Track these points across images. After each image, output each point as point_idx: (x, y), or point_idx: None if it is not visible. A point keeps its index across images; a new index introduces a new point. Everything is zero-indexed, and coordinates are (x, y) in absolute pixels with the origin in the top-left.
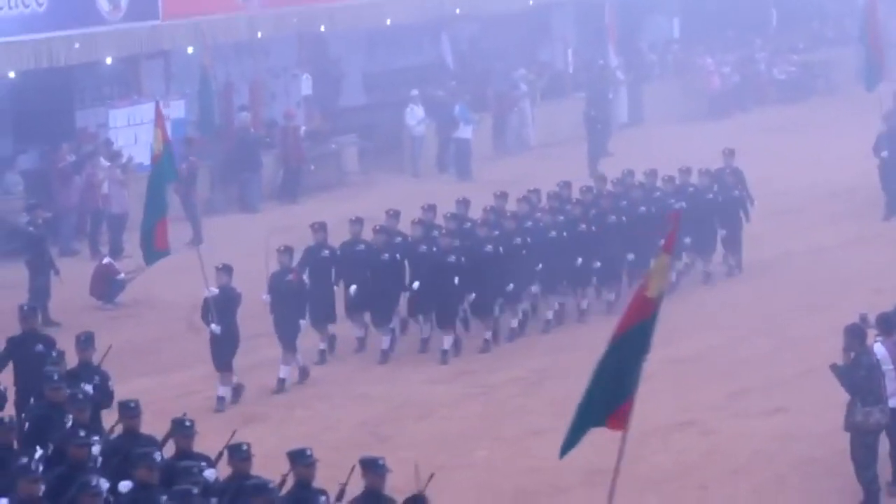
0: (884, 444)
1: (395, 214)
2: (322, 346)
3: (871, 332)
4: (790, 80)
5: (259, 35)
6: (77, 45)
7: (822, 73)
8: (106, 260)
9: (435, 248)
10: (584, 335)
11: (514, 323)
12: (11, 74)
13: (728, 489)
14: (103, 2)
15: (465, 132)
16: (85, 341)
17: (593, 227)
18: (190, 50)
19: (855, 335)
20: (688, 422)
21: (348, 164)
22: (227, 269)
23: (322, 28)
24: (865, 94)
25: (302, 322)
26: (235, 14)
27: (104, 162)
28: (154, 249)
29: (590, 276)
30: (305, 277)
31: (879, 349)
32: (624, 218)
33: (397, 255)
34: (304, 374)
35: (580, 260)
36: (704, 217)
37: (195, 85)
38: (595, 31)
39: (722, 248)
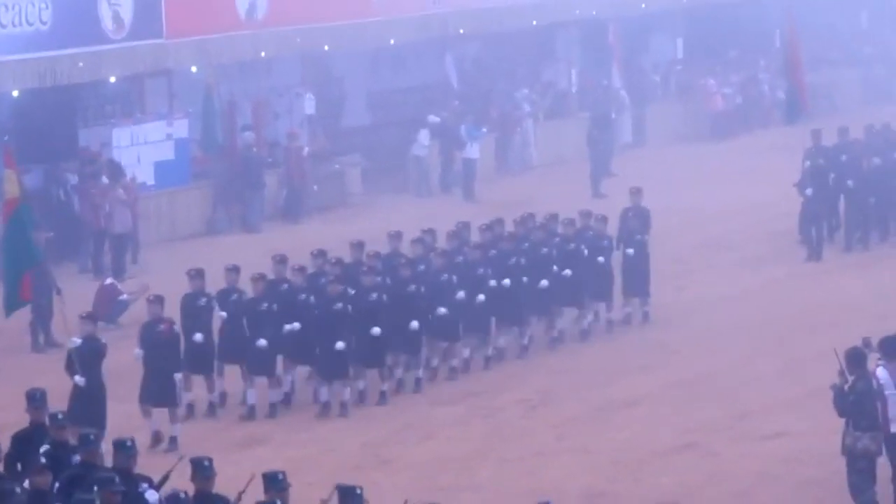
0: (886, 468)
1: (358, 245)
2: (211, 397)
3: (874, 357)
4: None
5: (263, 54)
6: (81, 64)
7: (825, 94)
8: (109, 280)
9: (312, 298)
10: (588, 356)
11: (419, 373)
12: (15, 93)
13: None
14: (107, 20)
15: (472, 152)
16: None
17: (489, 271)
18: (194, 69)
19: (854, 359)
20: (690, 444)
21: (351, 185)
22: (90, 318)
23: (326, 47)
24: (869, 115)
25: (177, 376)
26: (239, 33)
27: (105, 181)
28: (18, 299)
29: (488, 322)
30: (176, 328)
31: (882, 373)
32: (523, 260)
33: (274, 305)
34: (156, 438)
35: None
36: (605, 262)
37: (199, 104)
38: (599, 52)
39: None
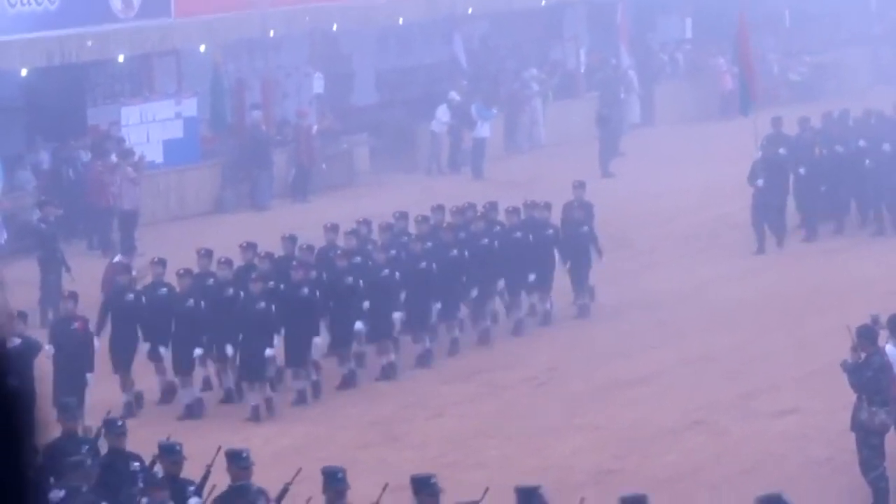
0: (895, 444)
1: (332, 227)
2: (126, 398)
3: (883, 333)
4: (803, 81)
5: (271, 33)
6: (89, 43)
7: (834, 73)
8: (117, 258)
9: (242, 294)
10: (595, 334)
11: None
12: (24, 72)
13: (738, 489)
14: (116, 0)
15: (482, 131)
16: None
17: (434, 265)
18: (202, 48)
19: (867, 336)
20: (698, 422)
21: (360, 163)
22: (22, 316)
23: (334, 26)
24: (878, 95)
25: (89, 375)
26: (247, 12)
27: (114, 159)
28: None
29: (428, 317)
30: (91, 327)
31: (891, 350)
32: (466, 252)
33: (202, 302)
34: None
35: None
36: (547, 252)
37: (207, 83)
38: (607, 31)
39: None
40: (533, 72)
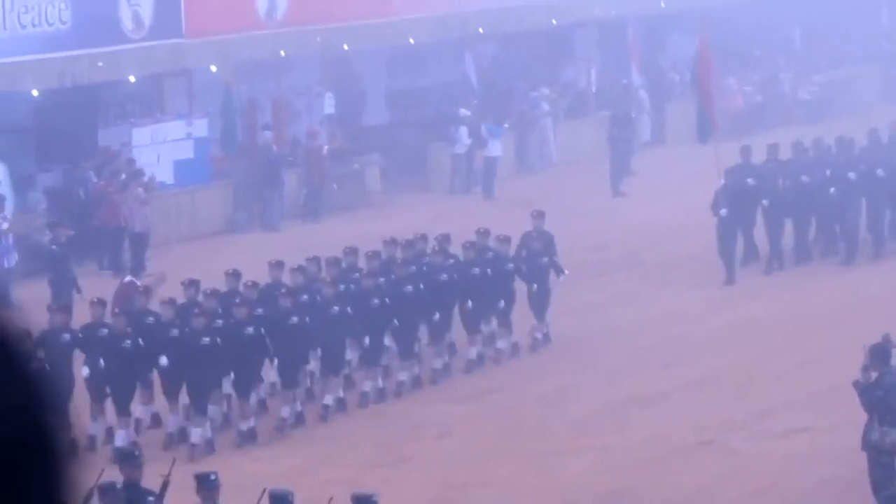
0: None
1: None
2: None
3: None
4: (814, 100)
5: (282, 53)
6: (100, 64)
7: (845, 92)
8: (128, 278)
9: (187, 329)
10: (605, 353)
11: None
12: (35, 93)
13: None
14: (127, 20)
15: (494, 150)
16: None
17: (386, 300)
18: (213, 68)
19: (879, 355)
20: (708, 441)
21: (371, 184)
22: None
23: (345, 46)
24: (887, 112)
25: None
26: (259, 33)
27: (123, 179)
28: None
29: (380, 354)
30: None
31: None
32: (422, 286)
33: (140, 340)
34: None
35: (367, 339)
36: (508, 285)
37: (218, 103)
38: (618, 51)
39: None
40: (544, 91)
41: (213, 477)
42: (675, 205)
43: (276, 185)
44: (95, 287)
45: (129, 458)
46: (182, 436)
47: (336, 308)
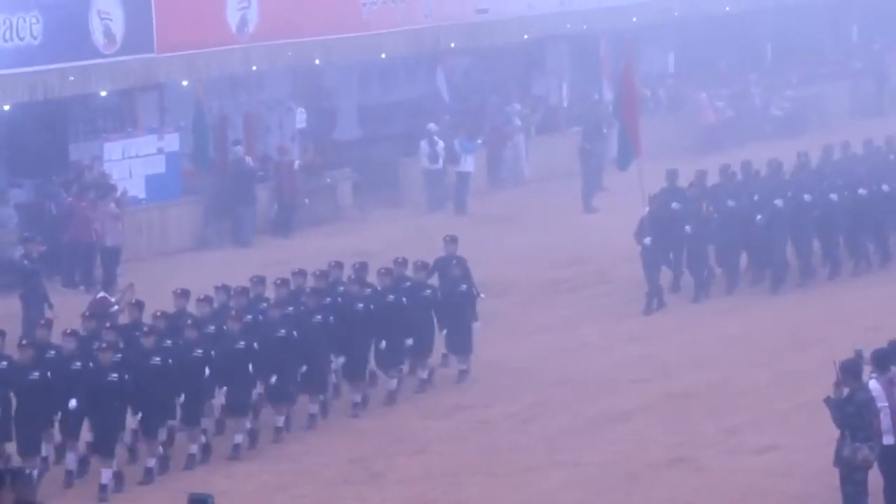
0: (878, 480)
1: (242, 291)
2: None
3: (866, 369)
4: (785, 116)
5: (254, 68)
6: (72, 78)
7: (816, 108)
8: (100, 294)
9: (92, 364)
10: (578, 370)
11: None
12: (6, 107)
13: None
14: (98, 35)
15: (466, 165)
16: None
17: (294, 332)
18: (185, 83)
19: (850, 371)
20: (680, 458)
21: (343, 199)
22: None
23: (317, 61)
24: (857, 129)
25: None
26: (230, 47)
27: (93, 195)
28: None
29: (288, 388)
30: None
31: (874, 385)
32: (331, 318)
33: (48, 373)
34: None
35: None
36: (425, 314)
37: (190, 118)
38: (590, 66)
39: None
40: (516, 107)
41: (209, 501)
42: None
43: (248, 200)
44: (67, 302)
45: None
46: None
47: (242, 343)
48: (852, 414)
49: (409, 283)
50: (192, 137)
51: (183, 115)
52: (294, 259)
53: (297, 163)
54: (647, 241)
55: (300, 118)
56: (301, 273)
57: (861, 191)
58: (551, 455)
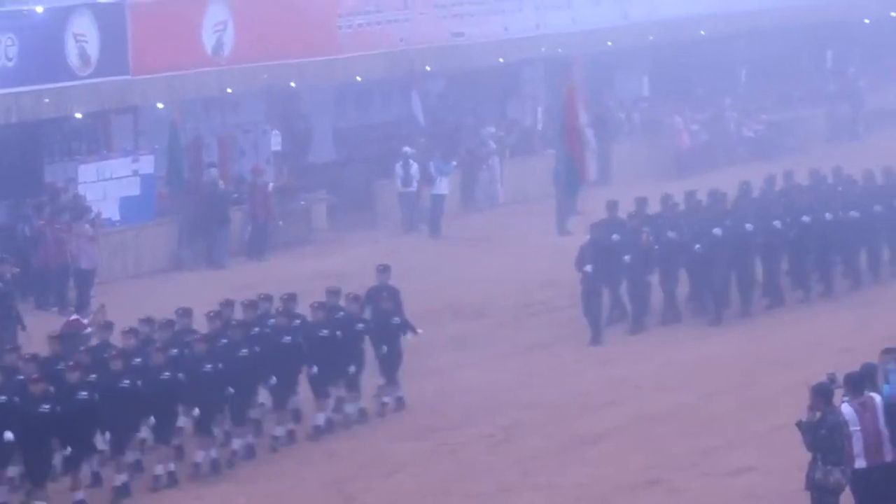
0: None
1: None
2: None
3: (838, 393)
4: (759, 139)
5: (229, 90)
6: (46, 100)
7: (790, 131)
8: (73, 316)
9: (17, 399)
10: (552, 392)
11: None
12: None
13: None
14: (73, 57)
15: (441, 188)
16: None
17: (220, 365)
18: (160, 105)
19: (821, 394)
20: (654, 480)
21: (317, 221)
22: None
23: (292, 84)
24: (832, 153)
25: None
26: (205, 70)
27: (68, 217)
28: None
29: (212, 422)
30: None
31: (847, 409)
32: (258, 349)
33: (15, 398)
34: None
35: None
36: (358, 346)
37: (164, 140)
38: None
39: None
40: (490, 129)
41: None
42: None
43: (222, 222)
44: (39, 324)
45: None
46: None
47: (167, 373)
48: (824, 437)
49: (342, 314)
50: (166, 160)
51: (158, 137)
52: (268, 281)
53: (271, 185)
54: (588, 268)
55: (275, 140)
56: (228, 304)
57: (805, 218)
58: (525, 477)
